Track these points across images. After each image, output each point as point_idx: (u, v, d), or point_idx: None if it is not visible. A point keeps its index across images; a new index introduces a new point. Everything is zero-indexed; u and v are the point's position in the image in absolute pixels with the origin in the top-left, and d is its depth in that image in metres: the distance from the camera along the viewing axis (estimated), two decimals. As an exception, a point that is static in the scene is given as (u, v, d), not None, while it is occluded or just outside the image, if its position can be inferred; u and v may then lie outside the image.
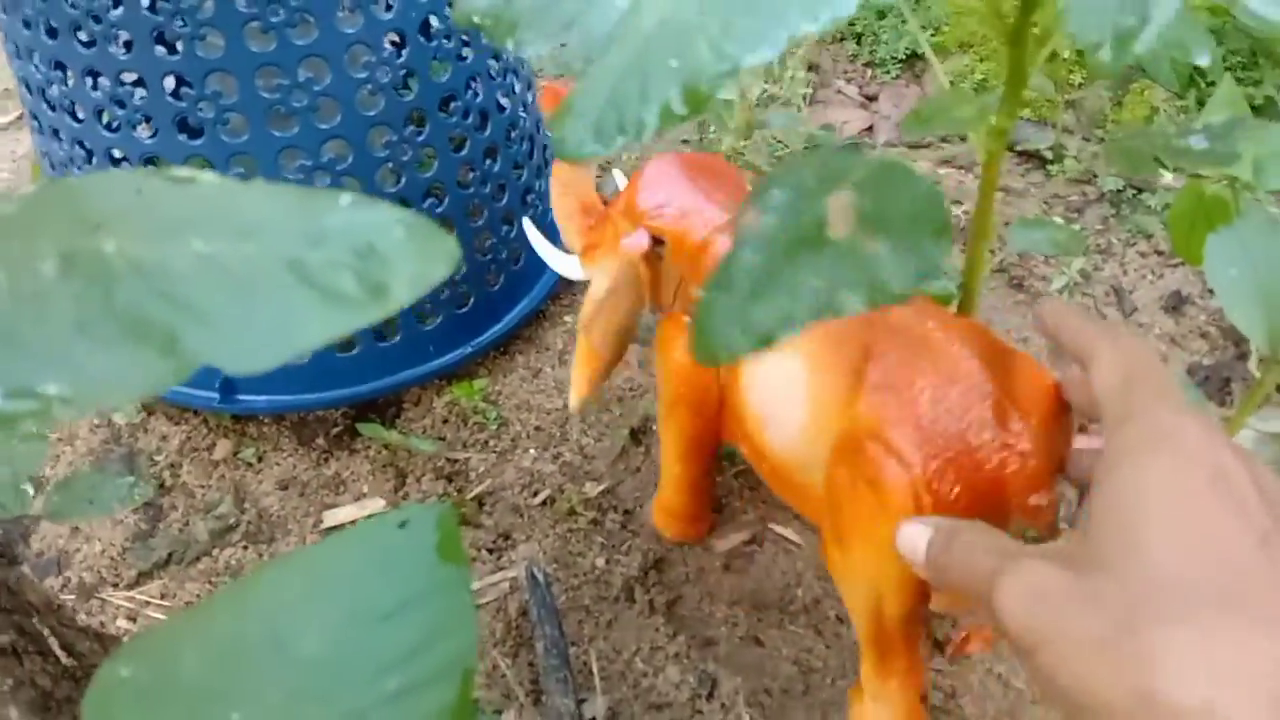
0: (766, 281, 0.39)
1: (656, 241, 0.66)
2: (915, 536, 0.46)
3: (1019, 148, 1.18)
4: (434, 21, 0.80)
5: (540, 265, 1.00)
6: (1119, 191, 1.15)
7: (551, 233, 0.80)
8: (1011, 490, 0.51)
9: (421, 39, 0.80)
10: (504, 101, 0.91)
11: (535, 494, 0.86)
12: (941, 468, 0.51)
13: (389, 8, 0.78)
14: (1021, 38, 0.51)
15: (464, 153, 0.87)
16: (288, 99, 0.75)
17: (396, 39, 0.80)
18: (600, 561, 0.79)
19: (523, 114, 0.94)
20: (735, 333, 0.38)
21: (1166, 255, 1.09)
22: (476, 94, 0.87)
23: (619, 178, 0.81)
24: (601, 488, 0.85)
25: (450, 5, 0.80)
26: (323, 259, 0.25)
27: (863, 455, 0.52)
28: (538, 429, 0.91)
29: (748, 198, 0.43)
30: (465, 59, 0.85)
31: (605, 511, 0.84)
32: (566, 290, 1.03)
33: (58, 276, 0.26)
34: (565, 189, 0.76)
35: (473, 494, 0.86)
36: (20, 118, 1.32)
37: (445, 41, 0.82)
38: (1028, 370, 0.52)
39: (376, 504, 0.85)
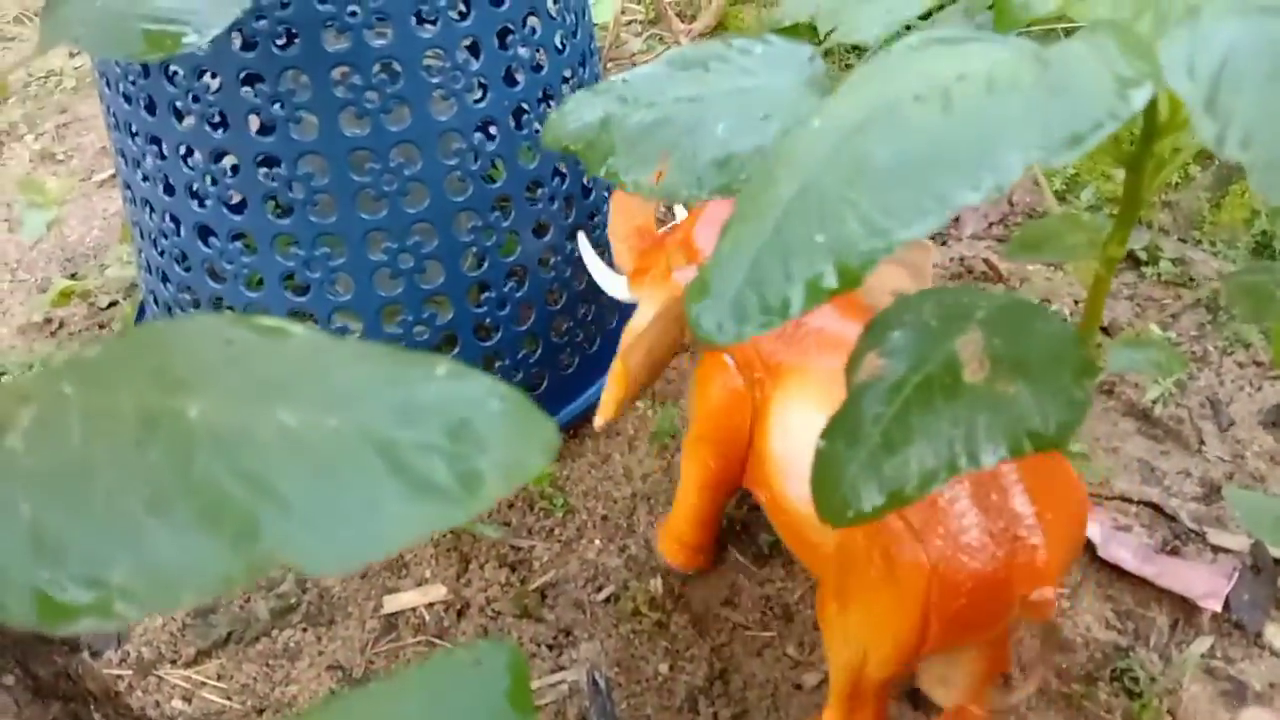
0: (899, 432, 0.37)
1: None
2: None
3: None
4: (526, 108, 0.80)
5: (614, 349, 0.99)
6: (1216, 296, 1.10)
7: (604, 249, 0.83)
8: (1017, 581, 0.53)
9: (512, 125, 0.80)
10: (589, 185, 0.90)
11: (599, 589, 0.83)
12: (954, 551, 0.53)
13: (482, 96, 0.78)
14: (1140, 164, 0.48)
15: (547, 237, 0.86)
16: (378, 182, 0.75)
17: (488, 126, 0.80)
18: (664, 668, 0.77)
19: (605, 196, 0.93)
20: (869, 489, 0.36)
21: (1266, 366, 1.04)
22: (563, 179, 0.86)
23: (680, 208, 0.83)
24: (667, 586, 0.83)
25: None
26: (414, 440, 0.24)
27: (883, 527, 0.54)
28: (604, 518, 0.89)
29: (861, 341, 0.41)
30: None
31: (670, 613, 0.81)
32: (640, 375, 1.01)
33: (136, 441, 0.25)
34: (625, 210, 0.78)
35: (535, 585, 0.84)
36: (114, 175, 1.35)
37: (537, 128, 0.82)
38: (1060, 470, 0.54)
39: (438, 591, 0.83)
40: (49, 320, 1.11)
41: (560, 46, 0.81)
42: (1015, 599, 0.54)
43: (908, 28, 0.45)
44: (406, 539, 0.22)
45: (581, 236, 0.85)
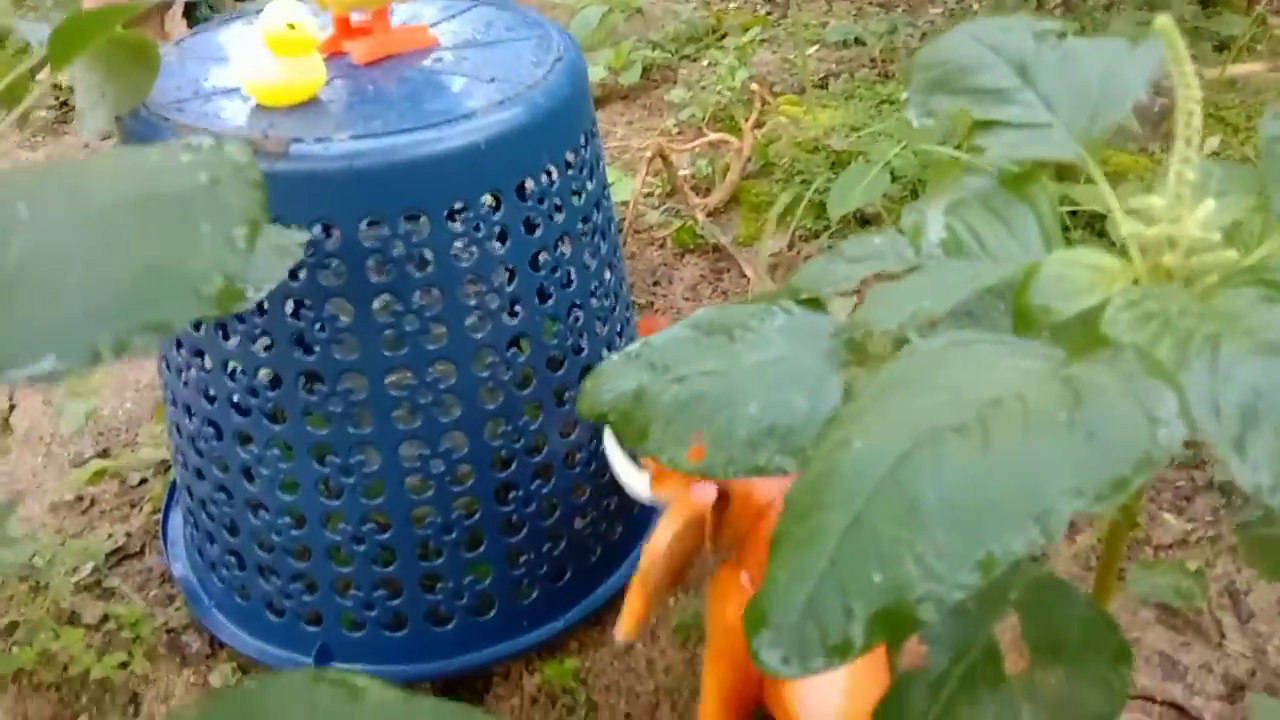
0: (949, 726, 0.38)
1: (722, 494, 0.68)
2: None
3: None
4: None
5: (636, 535, 1.01)
6: (1230, 480, 1.12)
7: None
8: None
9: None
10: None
11: (626, 795, 0.83)
12: None
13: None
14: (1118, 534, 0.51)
15: (573, 437, 0.89)
16: (414, 395, 0.78)
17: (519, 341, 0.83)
18: None
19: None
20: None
21: (1283, 551, 1.04)
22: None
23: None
24: (694, 794, 0.82)
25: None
26: None
27: None
28: (628, 716, 0.89)
29: None
30: (581, 353, 0.88)
31: (697, 822, 0.80)
32: (662, 560, 1.02)
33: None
34: None
35: (561, 792, 0.84)
36: (148, 342, 1.39)
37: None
38: None
39: (463, 797, 0.83)
40: (80, 498, 1.13)
41: (587, 265, 0.85)
42: None
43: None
44: None
45: (608, 434, 0.87)
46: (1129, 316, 0.40)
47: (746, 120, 1.59)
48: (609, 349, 0.92)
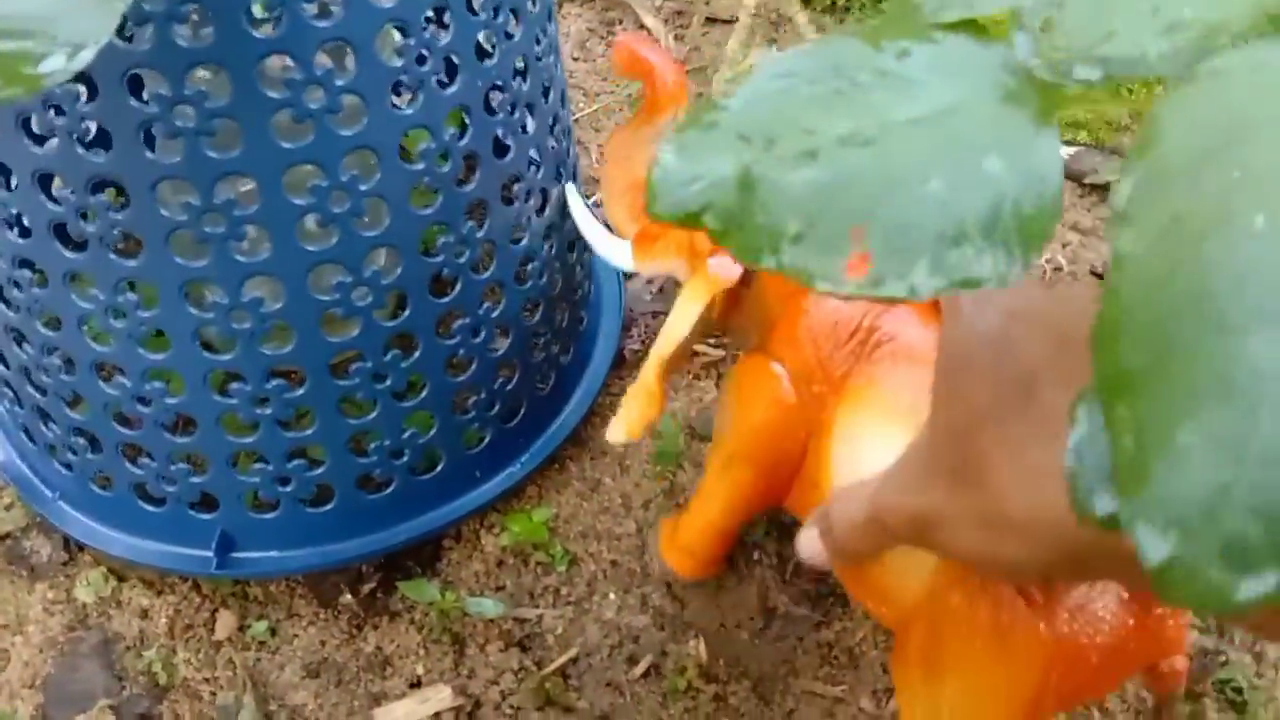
0: None
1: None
2: (808, 540, 0.46)
3: (1086, 180, 1.06)
4: (497, 93, 0.62)
5: (588, 352, 0.84)
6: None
7: None
8: (1146, 652, 0.47)
9: (485, 113, 0.62)
10: (560, 170, 0.73)
11: (632, 661, 0.70)
12: (1080, 621, 0.45)
13: (448, 81, 0.59)
14: None
15: (524, 243, 0.69)
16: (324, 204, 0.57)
17: (458, 119, 0.61)
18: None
19: (574, 180, 0.77)
20: None
21: None
22: (539, 168, 0.69)
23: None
24: (711, 649, 0.70)
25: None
26: None
27: (993, 593, 0.45)
28: (614, 564, 0.75)
29: None
30: (529, 130, 0.67)
31: (727, 682, 0.68)
32: (616, 378, 0.86)
33: None
34: (622, 160, 0.64)
35: (554, 665, 0.69)
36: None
37: (511, 113, 0.64)
38: None
39: (441, 694, 0.68)
40: None
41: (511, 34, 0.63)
42: (1140, 669, 0.49)
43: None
44: None
45: (570, 189, 0.70)
46: None
47: None
48: (552, 133, 0.71)
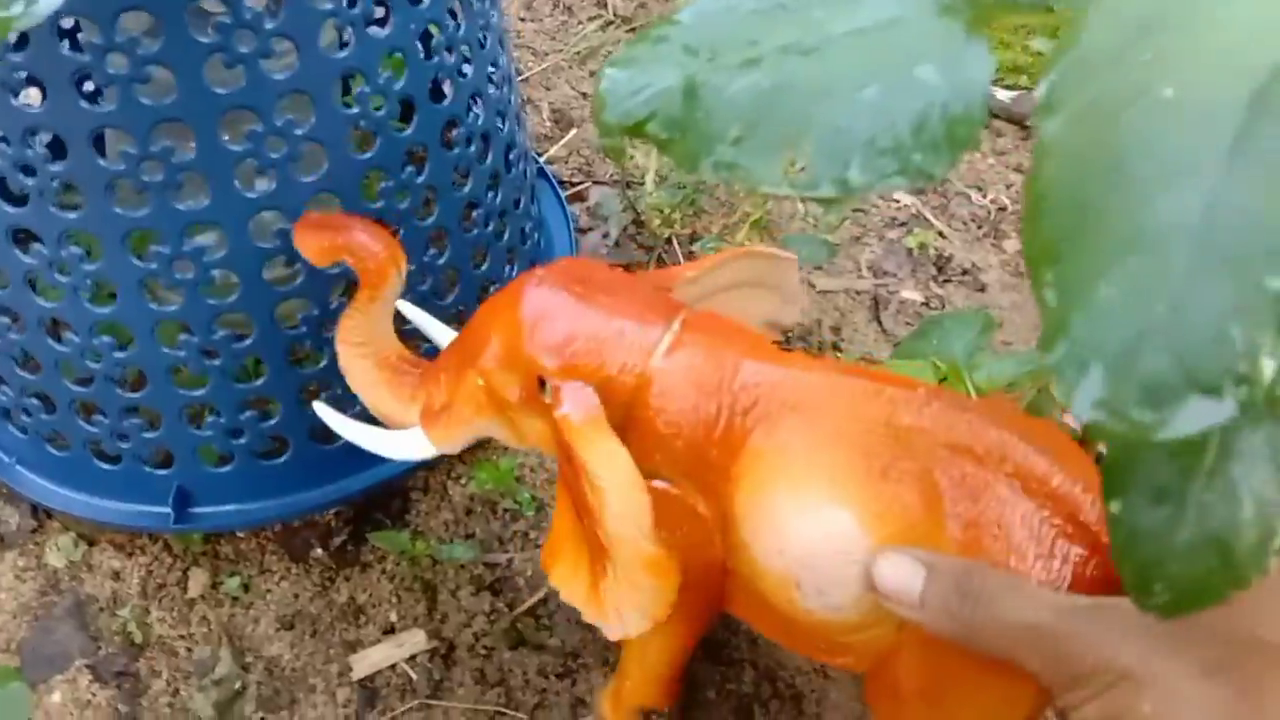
0: None
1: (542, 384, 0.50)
2: (904, 575, 0.42)
3: (1029, 123, 1.08)
4: (434, 31, 0.63)
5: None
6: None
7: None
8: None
9: (422, 56, 0.63)
10: (501, 118, 0.74)
11: (600, 595, 0.71)
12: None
13: (384, 20, 0.60)
14: None
15: (467, 189, 0.70)
16: (260, 149, 0.57)
17: (395, 62, 0.62)
18: (710, 693, 0.65)
19: (516, 127, 0.77)
20: None
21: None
22: (478, 115, 0.70)
23: (437, 326, 0.62)
24: (680, 579, 0.71)
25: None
26: None
27: None
28: (579, 507, 0.76)
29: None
30: (466, 75, 0.68)
31: (692, 610, 0.69)
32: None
33: None
34: (361, 347, 0.57)
35: (525, 606, 0.70)
36: None
37: (447, 56, 0.65)
38: (1073, 449, 0.46)
39: (416, 638, 0.68)
40: None
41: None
42: None
43: None
44: None
45: (319, 405, 0.62)
46: None
47: None
48: (491, 79, 0.72)
